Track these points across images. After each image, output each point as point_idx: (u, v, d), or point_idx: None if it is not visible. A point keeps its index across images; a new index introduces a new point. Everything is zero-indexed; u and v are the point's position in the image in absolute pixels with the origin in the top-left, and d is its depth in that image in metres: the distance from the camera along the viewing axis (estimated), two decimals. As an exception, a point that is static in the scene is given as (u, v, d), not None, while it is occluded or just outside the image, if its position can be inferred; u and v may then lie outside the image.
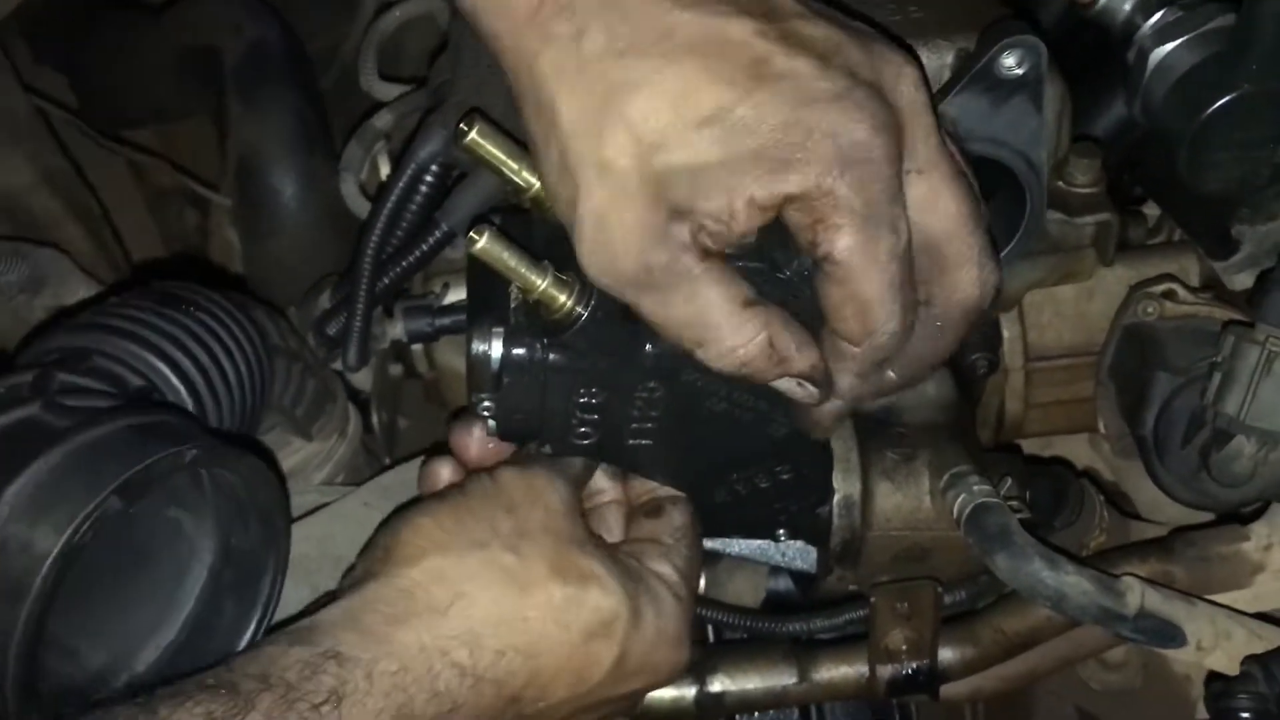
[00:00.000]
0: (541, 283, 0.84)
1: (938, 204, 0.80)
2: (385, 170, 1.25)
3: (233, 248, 1.62)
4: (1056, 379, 1.17)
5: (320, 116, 1.29)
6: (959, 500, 0.98)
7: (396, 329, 1.13)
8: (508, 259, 0.83)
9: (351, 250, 1.33)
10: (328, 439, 1.12)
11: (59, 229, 1.28)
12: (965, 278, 0.83)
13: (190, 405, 0.95)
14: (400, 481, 1.07)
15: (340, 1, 1.50)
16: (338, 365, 1.18)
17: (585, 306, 0.85)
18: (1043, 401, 1.19)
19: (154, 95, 1.42)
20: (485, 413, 0.91)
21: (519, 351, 0.88)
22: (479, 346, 0.89)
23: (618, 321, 0.85)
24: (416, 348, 1.20)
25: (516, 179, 0.88)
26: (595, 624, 0.84)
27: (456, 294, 1.17)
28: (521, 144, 0.91)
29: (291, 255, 1.27)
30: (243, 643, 0.92)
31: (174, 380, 0.94)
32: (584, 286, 0.85)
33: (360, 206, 1.18)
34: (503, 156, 0.87)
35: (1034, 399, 1.18)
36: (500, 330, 0.88)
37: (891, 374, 0.86)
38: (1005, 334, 1.15)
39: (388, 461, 1.29)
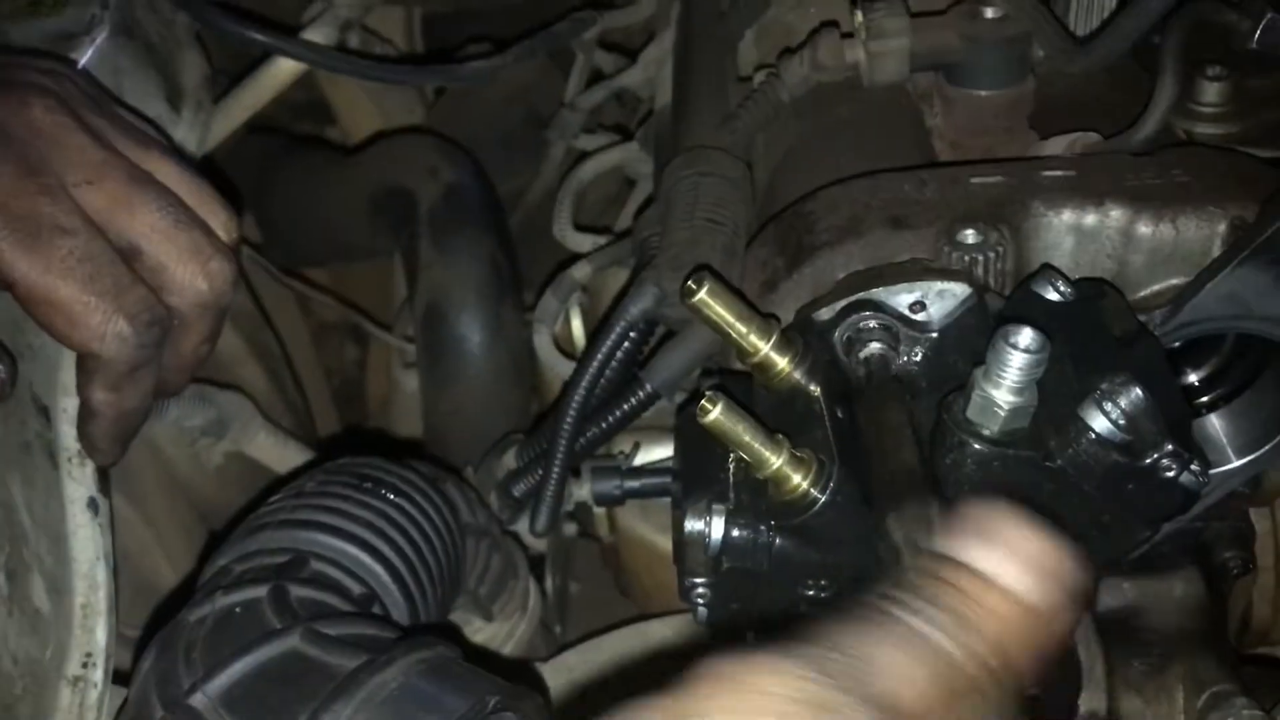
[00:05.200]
0: (776, 460, 0.76)
1: (119, 211, 0.82)
2: (576, 324, 1.19)
3: (397, 386, 1.58)
4: (1313, 583, 1.05)
5: (512, 264, 1.25)
6: (1225, 727, 0.86)
7: (583, 490, 1.06)
8: (741, 432, 0.75)
9: (529, 405, 1.28)
10: (509, 618, 1.04)
11: (240, 368, 1.25)
12: (182, 275, 0.83)
13: (404, 605, 0.90)
14: (584, 662, 0.98)
15: (528, 146, 1.47)
16: (515, 526, 1.12)
17: (823, 490, 0.76)
18: (1295, 607, 1.06)
19: (342, 235, 1.40)
20: (699, 600, 0.82)
21: (742, 534, 0.79)
22: (695, 525, 0.80)
23: (862, 509, 0.76)
24: (598, 510, 1.13)
25: (743, 342, 0.81)
26: None
27: (646, 455, 1.10)
28: (750, 304, 0.84)
29: (472, 405, 1.21)
30: None
31: (389, 583, 0.89)
32: (822, 467, 0.77)
33: (553, 359, 1.12)
34: (730, 318, 0.81)
35: (1286, 604, 1.06)
36: (721, 508, 0.80)
37: (150, 378, 0.85)
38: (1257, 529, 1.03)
39: (558, 629, 1.21)
